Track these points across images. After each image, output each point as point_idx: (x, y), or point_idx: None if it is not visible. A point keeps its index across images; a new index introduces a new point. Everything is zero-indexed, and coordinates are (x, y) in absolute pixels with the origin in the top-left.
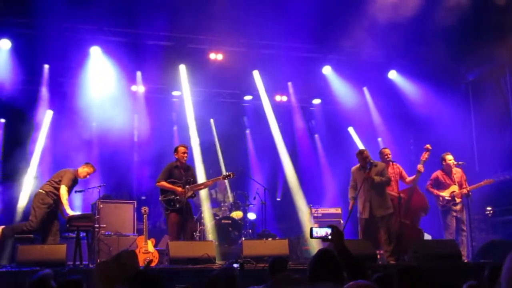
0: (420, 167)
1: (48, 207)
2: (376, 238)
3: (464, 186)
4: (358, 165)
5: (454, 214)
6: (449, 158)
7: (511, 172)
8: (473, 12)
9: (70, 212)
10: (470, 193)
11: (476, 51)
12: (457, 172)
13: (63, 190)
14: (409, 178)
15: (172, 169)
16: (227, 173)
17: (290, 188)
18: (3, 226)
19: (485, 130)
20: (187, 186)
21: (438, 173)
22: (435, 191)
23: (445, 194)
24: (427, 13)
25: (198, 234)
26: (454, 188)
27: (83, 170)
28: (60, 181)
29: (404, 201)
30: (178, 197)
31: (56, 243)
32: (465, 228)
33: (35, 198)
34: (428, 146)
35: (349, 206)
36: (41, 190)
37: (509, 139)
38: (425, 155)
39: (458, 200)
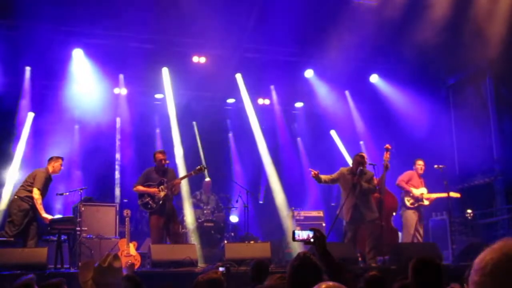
0: (386, 164)
1: (25, 213)
2: (356, 241)
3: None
4: (348, 167)
5: (417, 214)
6: (420, 163)
7: (491, 175)
8: (454, 17)
9: (46, 216)
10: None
11: (457, 55)
12: (421, 180)
13: (36, 193)
14: (377, 179)
15: (149, 174)
16: (198, 167)
17: (272, 191)
18: None
19: (465, 134)
20: (161, 186)
21: (412, 173)
22: (407, 187)
23: (416, 193)
24: (408, 18)
25: None
26: (424, 190)
27: (54, 166)
28: (33, 183)
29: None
30: (153, 199)
31: (35, 246)
32: (422, 232)
33: (11, 205)
34: (387, 146)
35: (335, 213)
36: (16, 196)
37: (489, 143)
38: (386, 155)
39: (426, 202)
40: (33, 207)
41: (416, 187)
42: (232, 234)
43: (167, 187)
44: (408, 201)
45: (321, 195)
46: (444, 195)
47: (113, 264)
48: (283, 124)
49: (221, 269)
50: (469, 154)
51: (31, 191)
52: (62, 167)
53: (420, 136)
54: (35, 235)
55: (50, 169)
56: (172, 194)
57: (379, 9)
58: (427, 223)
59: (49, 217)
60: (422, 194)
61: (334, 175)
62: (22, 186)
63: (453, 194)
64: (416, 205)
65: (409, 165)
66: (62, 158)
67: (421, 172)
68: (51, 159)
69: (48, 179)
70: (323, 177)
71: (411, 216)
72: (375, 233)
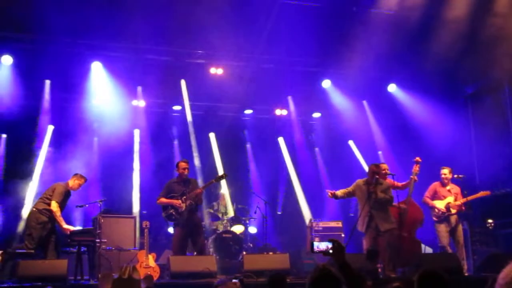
0: (414, 177)
1: (44, 226)
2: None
3: (459, 199)
4: (364, 179)
5: (448, 225)
6: (443, 172)
7: None
8: (472, 25)
9: (67, 227)
10: (464, 207)
11: (475, 64)
12: (454, 187)
13: (55, 206)
14: (401, 184)
15: (171, 185)
16: (219, 175)
17: (290, 202)
18: (1, 251)
19: (485, 143)
20: (183, 197)
21: (436, 184)
22: (431, 202)
23: (441, 205)
24: (426, 27)
25: None
26: (450, 199)
27: (74, 183)
28: (51, 196)
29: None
30: (177, 210)
31: (54, 258)
32: (461, 241)
33: (29, 217)
34: (417, 158)
35: (354, 223)
36: (34, 209)
37: (509, 152)
38: (415, 168)
39: (453, 211)
40: (52, 220)
41: (442, 198)
42: (251, 245)
43: (189, 197)
44: (433, 216)
45: (340, 206)
46: (472, 197)
47: (132, 276)
48: (300, 134)
49: (234, 281)
50: (489, 163)
51: (49, 204)
52: (79, 187)
53: (439, 145)
54: (54, 248)
55: (70, 184)
56: (196, 204)
57: (397, 18)
58: None
59: (71, 228)
60: (448, 203)
61: (350, 188)
62: (41, 198)
63: (483, 193)
64: (443, 216)
65: (427, 174)
66: (86, 180)
67: (445, 181)
68: (75, 175)
69: (67, 194)
70: (339, 193)
71: (439, 229)
72: (392, 244)
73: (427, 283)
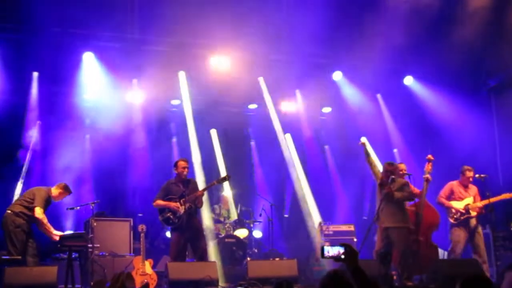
0: (427, 176)
1: (22, 229)
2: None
3: (477, 201)
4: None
5: (466, 229)
6: (470, 175)
7: None
8: (495, 14)
9: (56, 233)
10: (484, 210)
11: (500, 54)
12: (471, 188)
13: (40, 213)
14: (418, 191)
15: (170, 186)
16: (222, 176)
17: (298, 204)
18: None
19: (509, 140)
20: (182, 199)
21: (453, 183)
22: (447, 203)
23: (459, 206)
24: (446, 15)
25: None
26: (469, 200)
27: (57, 192)
28: (32, 200)
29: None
30: (175, 213)
31: (36, 265)
32: (482, 245)
33: (6, 221)
34: (429, 156)
35: (367, 227)
36: (9, 211)
37: None
38: (428, 166)
39: (473, 213)
40: (29, 223)
41: (460, 199)
42: (256, 250)
43: (188, 199)
44: (451, 218)
45: (352, 208)
46: (494, 199)
47: (126, 284)
48: (309, 131)
49: None
50: None
51: (28, 208)
52: (62, 199)
53: (459, 143)
54: (34, 254)
55: (53, 192)
56: (196, 207)
57: (414, 4)
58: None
59: (59, 233)
60: (467, 205)
61: (378, 173)
62: (18, 201)
63: (507, 195)
64: (462, 218)
65: (445, 173)
66: (70, 193)
67: (466, 182)
68: (61, 184)
69: (48, 201)
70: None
71: (456, 233)
72: (402, 246)
73: None
